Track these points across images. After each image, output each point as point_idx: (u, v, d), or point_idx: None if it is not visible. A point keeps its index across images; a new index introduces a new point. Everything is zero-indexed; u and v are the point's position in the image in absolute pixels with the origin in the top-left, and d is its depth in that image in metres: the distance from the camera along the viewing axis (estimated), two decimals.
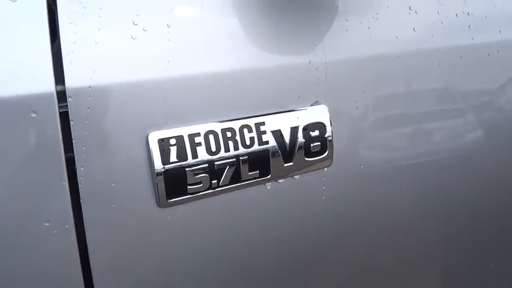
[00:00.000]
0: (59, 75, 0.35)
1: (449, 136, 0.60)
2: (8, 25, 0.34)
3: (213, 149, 0.41)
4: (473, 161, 0.62)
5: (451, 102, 0.59)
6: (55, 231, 0.36)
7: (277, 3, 0.46)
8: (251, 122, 0.43)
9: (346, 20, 0.50)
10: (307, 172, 0.47)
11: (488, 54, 0.61)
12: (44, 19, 0.35)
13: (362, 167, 0.51)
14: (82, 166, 0.36)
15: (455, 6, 0.59)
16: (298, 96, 0.46)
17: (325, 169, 0.48)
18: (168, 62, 0.39)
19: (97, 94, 0.36)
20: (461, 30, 0.59)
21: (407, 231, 0.60)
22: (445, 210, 0.64)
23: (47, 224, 0.35)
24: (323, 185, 0.49)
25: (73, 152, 0.36)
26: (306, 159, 0.46)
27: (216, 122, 0.41)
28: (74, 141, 0.36)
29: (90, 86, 0.36)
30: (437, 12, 0.57)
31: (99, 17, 0.37)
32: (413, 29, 0.54)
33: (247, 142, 0.42)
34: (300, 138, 0.46)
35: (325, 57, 0.47)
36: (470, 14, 0.60)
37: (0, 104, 0.32)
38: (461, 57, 0.58)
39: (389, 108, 0.53)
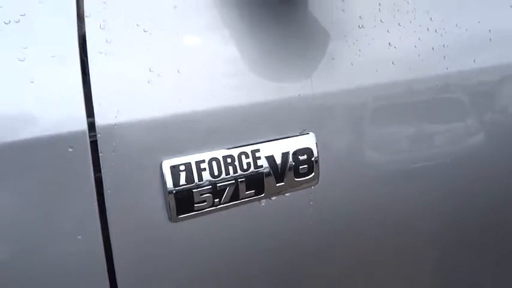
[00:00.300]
0: (90, 116, 0.43)
1: (427, 156, 0.67)
2: (50, 77, 0.42)
3: (216, 173, 0.49)
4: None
5: (428, 128, 0.66)
6: (85, 243, 0.44)
7: (274, 46, 0.53)
8: (248, 149, 0.51)
9: (333, 59, 0.57)
10: (296, 190, 0.55)
11: (463, 82, 0.69)
12: (77, 71, 0.43)
13: (345, 185, 0.59)
14: (109, 189, 0.44)
15: (432, 40, 0.66)
16: (289, 126, 0.54)
17: (313, 187, 0.56)
18: (179, 101, 0.47)
19: (121, 130, 0.44)
20: (437, 61, 0.66)
21: (388, 240, 0.68)
22: (434, 227, 0.72)
23: (79, 237, 0.44)
24: (310, 201, 0.56)
25: (101, 178, 0.44)
26: (296, 179, 0.54)
27: (218, 150, 0.49)
28: (102, 169, 0.44)
29: (115, 124, 0.44)
30: (415, 46, 0.65)
31: (122, 66, 0.45)
32: (392, 62, 0.62)
33: (245, 166, 0.50)
34: (290, 161, 0.53)
35: (313, 90, 0.55)
36: (445, 46, 0.67)
37: (45, 142, 0.41)
38: (436, 85, 0.66)
39: (370, 133, 0.60)
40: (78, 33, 0.44)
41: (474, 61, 0.69)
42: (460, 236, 0.76)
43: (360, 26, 0.60)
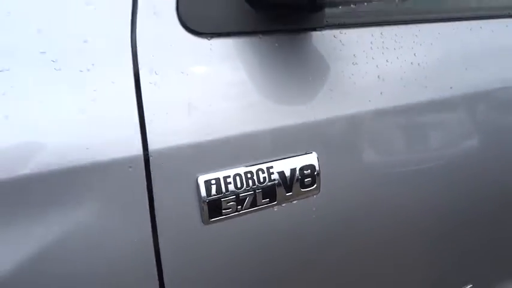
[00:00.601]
0: (144, 142, 0.55)
1: (410, 167, 0.80)
2: (115, 113, 0.54)
3: (239, 185, 0.61)
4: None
5: (412, 145, 0.79)
6: (139, 242, 0.57)
7: (285, 82, 0.66)
8: (264, 166, 0.63)
9: (331, 90, 0.70)
10: (302, 198, 0.67)
11: (442, 107, 0.82)
12: (135, 108, 0.55)
13: (342, 194, 0.72)
14: (158, 198, 0.56)
15: (415, 72, 0.79)
16: (296, 147, 0.66)
17: (315, 196, 0.68)
18: (211, 128, 0.60)
19: (167, 153, 0.56)
20: (419, 91, 0.79)
21: (380, 238, 0.81)
22: (425, 227, 0.85)
23: (133, 236, 0.56)
24: (314, 207, 0.69)
25: (152, 189, 0.56)
26: (301, 189, 0.67)
27: (240, 167, 0.62)
28: (153, 183, 0.56)
29: (163, 148, 0.56)
30: (401, 78, 0.77)
31: (168, 102, 0.58)
32: (381, 93, 0.75)
33: (261, 180, 0.63)
34: (297, 175, 0.66)
35: (315, 117, 0.68)
36: (426, 77, 0.80)
37: (113, 163, 0.53)
38: (418, 112, 0.79)
39: (363, 152, 0.73)
40: (135, 79, 0.56)
41: (451, 88, 0.82)
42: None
43: (354, 63, 0.73)
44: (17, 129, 0.50)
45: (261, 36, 0.66)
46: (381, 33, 0.76)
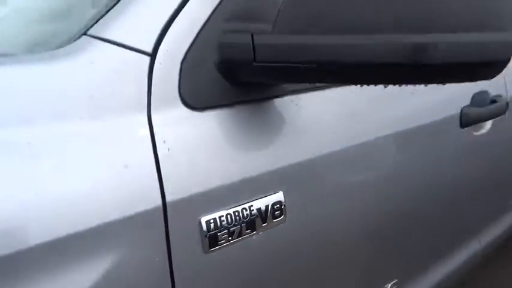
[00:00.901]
0: (163, 196, 0.75)
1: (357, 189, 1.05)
2: (142, 179, 0.73)
3: (229, 221, 0.81)
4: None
5: (351, 177, 1.04)
6: (159, 271, 0.75)
7: (258, 139, 0.88)
8: (246, 205, 0.84)
9: (293, 141, 0.93)
10: (273, 227, 0.89)
11: (368, 145, 1.07)
12: (154, 171, 0.74)
13: (303, 222, 0.95)
14: (173, 236, 0.76)
15: (347, 120, 1.04)
16: (267, 188, 0.88)
17: (282, 224, 0.91)
18: (205, 178, 0.80)
19: (179, 203, 0.76)
20: (357, 134, 1.04)
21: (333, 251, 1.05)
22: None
23: (154, 265, 0.75)
24: (282, 233, 0.91)
25: (169, 230, 0.76)
26: (273, 220, 0.88)
27: (230, 208, 0.82)
28: (169, 224, 0.75)
29: (176, 199, 0.76)
30: (340, 127, 1.02)
31: (176, 164, 0.77)
32: (328, 139, 0.99)
33: (245, 216, 0.84)
34: (270, 209, 0.88)
35: (280, 165, 0.90)
36: (354, 126, 1.05)
37: (140, 214, 0.72)
38: (353, 151, 1.04)
39: (319, 187, 0.97)
40: (152, 146, 0.75)
41: (373, 129, 1.08)
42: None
43: (307, 118, 0.96)
44: (71, 187, 0.66)
45: (236, 106, 0.87)
46: (326, 95, 1.01)
